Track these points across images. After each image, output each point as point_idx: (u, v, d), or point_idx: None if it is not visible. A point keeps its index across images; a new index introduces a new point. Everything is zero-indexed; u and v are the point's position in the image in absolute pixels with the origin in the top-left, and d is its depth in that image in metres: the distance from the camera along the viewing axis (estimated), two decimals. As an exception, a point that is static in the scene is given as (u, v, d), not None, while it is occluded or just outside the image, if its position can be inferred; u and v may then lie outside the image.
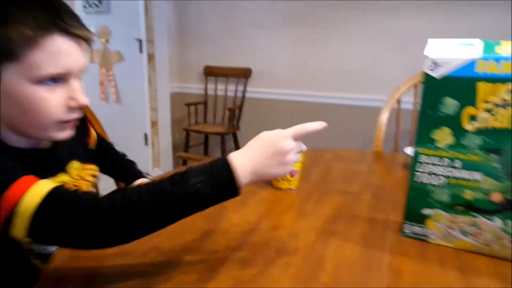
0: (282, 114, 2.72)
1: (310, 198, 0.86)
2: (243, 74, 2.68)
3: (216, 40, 2.79)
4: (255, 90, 2.74)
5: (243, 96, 2.71)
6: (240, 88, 2.74)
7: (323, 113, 2.59)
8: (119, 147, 0.99)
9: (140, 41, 2.84)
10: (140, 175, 0.92)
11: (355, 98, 2.49)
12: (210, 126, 2.70)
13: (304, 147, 0.88)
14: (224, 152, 2.55)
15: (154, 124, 3.01)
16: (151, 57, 2.86)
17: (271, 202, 0.84)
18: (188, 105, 2.69)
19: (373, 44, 2.38)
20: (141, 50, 2.86)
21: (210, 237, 0.68)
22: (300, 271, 0.58)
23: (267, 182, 0.93)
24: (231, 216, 0.76)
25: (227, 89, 2.77)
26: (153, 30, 2.80)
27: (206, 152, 2.92)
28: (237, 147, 2.74)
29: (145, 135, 3.03)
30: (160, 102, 2.94)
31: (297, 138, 0.59)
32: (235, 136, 2.73)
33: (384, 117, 1.41)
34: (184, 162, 2.74)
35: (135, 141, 3.07)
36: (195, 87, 2.95)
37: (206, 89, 2.82)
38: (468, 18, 2.17)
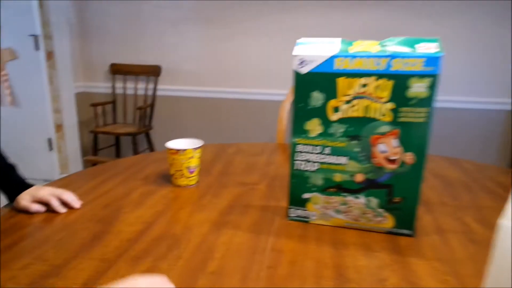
0: (194, 111, 2.72)
1: (208, 192, 0.89)
2: (153, 72, 2.62)
3: (122, 37, 2.68)
4: (166, 87, 2.70)
5: (154, 94, 2.65)
6: (151, 86, 2.67)
7: (233, 108, 2.67)
8: (19, 154, 0.91)
9: (35, 37, 2.61)
10: (20, 181, 0.81)
11: (260, 93, 2.60)
12: (121, 126, 2.59)
13: (200, 143, 0.91)
14: (137, 152, 2.48)
15: (59, 127, 2.80)
16: (50, 55, 2.65)
17: (169, 200, 0.85)
18: (95, 105, 2.55)
19: (276, 40, 2.50)
20: (37, 47, 2.63)
21: (101, 240, 0.67)
22: (189, 262, 0.60)
23: (168, 180, 0.94)
24: (126, 217, 0.75)
25: (136, 87, 2.68)
26: (51, 25, 2.59)
27: (118, 154, 2.79)
28: (150, 146, 2.68)
29: (49, 140, 2.81)
30: (64, 103, 2.74)
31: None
32: (148, 135, 2.66)
33: (285, 110, 1.50)
34: (94, 166, 2.60)
35: (38, 147, 2.82)
36: (102, 86, 2.80)
37: (114, 88, 2.70)
38: (360, 18, 2.39)
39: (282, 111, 1.51)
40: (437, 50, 0.60)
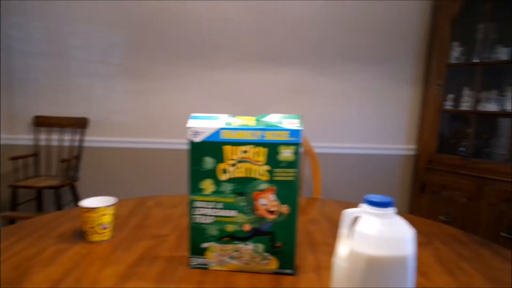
0: (123, 162, 2.74)
1: (120, 246, 0.95)
2: (79, 124, 2.63)
3: (48, 90, 2.67)
4: (93, 139, 2.71)
5: (81, 146, 2.63)
6: (77, 138, 2.66)
7: (160, 158, 2.74)
8: None
9: (-50, 89, 2.51)
10: None
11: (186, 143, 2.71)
12: (44, 179, 2.52)
13: (113, 200, 0.98)
14: (60, 206, 2.41)
15: (-27, 181, 2.63)
16: (-34, 107, 2.55)
17: (81, 256, 0.90)
18: (14, 158, 2.47)
19: (198, 95, 2.68)
20: (-48, 99, 2.52)
21: (6, 301, 0.70)
22: (92, 315, 0.67)
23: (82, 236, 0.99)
24: (35, 277, 0.79)
25: (62, 139, 2.65)
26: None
27: (40, 209, 2.68)
28: (76, 199, 2.62)
29: (-39, 196, 2.62)
30: (-20, 156, 2.61)
31: None
32: (73, 188, 2.60)
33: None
34: (12, 222, 2.46)
35: None
36: (24, 138, 2.72)
37: (36, 140, 2.64)
38: (272, 77, 2.66)
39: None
40: (298, 125, 0.76)
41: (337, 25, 2.62)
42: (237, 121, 0.79)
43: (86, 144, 2.70)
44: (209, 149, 0.78)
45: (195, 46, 2.64)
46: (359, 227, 0.58)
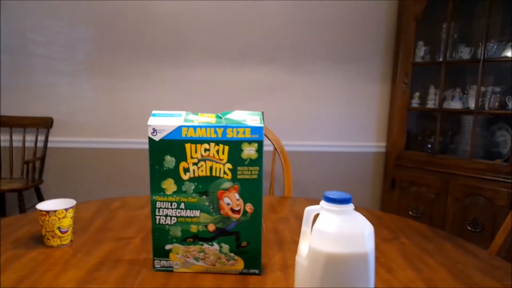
0: (89, 162, 2.66)
1: (81, 250, 0.91)
2: (43, 124, 2.52)
3: (8, 88, 2.55)
4: (58, 139, 2.60)
5: (45, 147, 2.53)
6: (41, 138, 2.55)
7: (127, 158, 2.67)
8: None
9: None
10: None
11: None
12: (6, 182, 2.40)
13: (73, 203, 0.94)
14: (24, 210, 2.31)
15: None
16: None
17: (37, 262, 0.85)
18: (-26, 160, 2.34)
19: (166, 92, 2.63)
20: None
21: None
22: (45, 324, 0.63)
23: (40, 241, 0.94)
24: (-15, 285, 0.75)
25: (25, 140, 2.53)
26: None
27: (2, 213, 2.55)
28: (40, 201, 2.51)
29: None
30: None
31: None
32: (38, 190, 2.50)
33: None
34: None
35: None
36: (-16, 139, 2.59)
37: (-2, 141, 2.52)
38: (245, 75, 2.65)
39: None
40: (260, 122, 0.75)
41: (309, 24, 2.63)
42: (199, 118, 0.77)
43: (50, 144, 2.59)
44: (169, 148, 0.76)
45: (165, 43, 2.59)
46: (318, 224, 0.58)
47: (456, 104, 2.46)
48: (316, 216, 0.62)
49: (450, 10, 2.34)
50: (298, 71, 2.68)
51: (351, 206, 0.58)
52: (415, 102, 2.58)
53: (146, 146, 2.66)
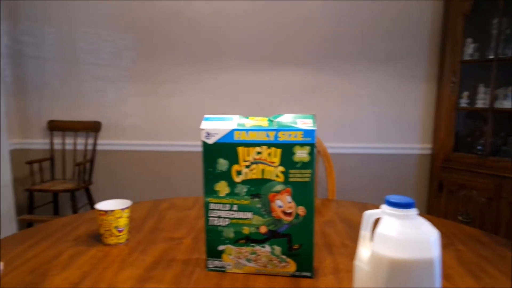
0: (135, 164, 2.76)
1: (137, 249, 0.95)
2: (92, 128, 2.65)
3: (61, 94, 2.71)
4: (106, 142, 2.73)
5: (94, 150, 2.66)
6: (90, 141, 2.69)
7: (171, 161, 2.75)
8: None
9: (-32, 95, 2.57)
10: None
11: (200, 145, 2.72)
12: (59, 183, 2.55)
13: (128, 203, 0.98)
14: (76, 209, 2.44)
15: (-10, 186, 2.68)
16: (-17, 113, 2.60)
17: (97, 259, 0.90)
18: (31, 163, 2.50)
19: (210, 96, 2.68)
20: (-31, 106, 2.58)
21: (25, 305, 0.70)
22: (109, 319, 0.66)
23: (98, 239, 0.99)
24: (53, 280, 0.79)
25: (76, 143, 2.68)
26: (-15, 84, 2.57)
27: (56, 212, 2.71)
28: (90, 201, 2.65)
29: (-21, 200, 2.68)
30: (-3, 161, 2.66)
31: None
32: (88, 191, 2.63)
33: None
34: (29, 225, 2.50)
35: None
36: (39, 143, 2.76)
37: (52, 145, 2.68)
38: (284, 77, 2.65)
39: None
40: (312, 125, 0.75)
41: (349, 23, 2.59)
42: (250, 122, 0.78)
43: (98, 147, 2.73)
44: (222, 151, 0.77)
45: (204, 48, 2.65)
46: (380, 229, 0.57)
47: (509, 103, 2.32)
48: (373, 220, 0.62)
49: (502, 5, 2.21)
50: (337, 71, 2.64)
51: (414, 211, 0.56)
52: (463, 102, 2.46)
53: (188, 148, 2.73)
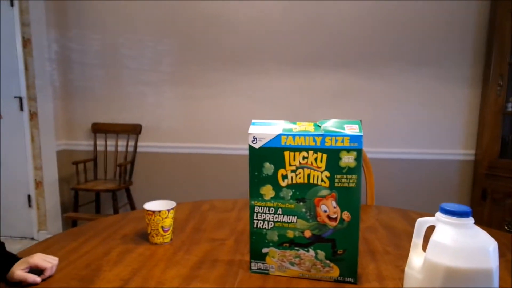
0: (173, 166, 2.84)
1: (181, 249, 0.98)
2: (133, 130, 2.75)
3: (104, 98, 2.83)
4: (145, 144, 2.83)
5: (134, 151, 2.76)
6: (131, 143, 2.79)
7: (209, 163, 2.80)
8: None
9: (20, 98, 2.74)
10: (9, 255, 0.84)
11: (234, 148, 2.76)
12: (101, 183, 2.66)
13: (173, 204, 1.01)
14: (117, 208, 2.54)
15: (38, 184, 2.84)
16: (33, 115, 2.77)
17: (145, 257, 0.94)
18: (76, 163, 2.63)
19: (249, 100, 2.71)
20: (21, 108, 2.75)
21: (82, 298, 0.75)
22: (160, 315, 0.69)
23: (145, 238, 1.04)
24: (106, 275, 0.84)
25: (117, 145, 2.79)
26: (35, 88, 2.73)
27: (98, 210, 2.83)
28: (130, 201, 2.74)
29: (29, 196, 2.84)
30: (45, 161, 2.81)
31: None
32: (128, 191, 2.73)
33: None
34: (74, 223, 2.63)
35: (17, 203, 2.85)
36: (83, 144, 2.90)
37: (95, 146, 2.80)
38: (322, 81, 2.64)
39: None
40: (359, 130, 0.75)
41: (385, 24, 2.54)
42: (297, 127, 0.79)
43: (138, 149, 2.82)
44: (269, 155, 0.79)
45: (239, 52, 2.68)
46: (435, 236, 0.56)
47: (560, 108, 2.19)
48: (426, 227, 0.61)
49: (554, 4, 2.10)
50: (376, 74, 2.60)
51: (471, 220, 0.55)
52: (510, 106, 2.35)
53: (225, 151, 2.77)
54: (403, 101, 2.61)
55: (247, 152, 2.72)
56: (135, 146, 2.76)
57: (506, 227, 2.28)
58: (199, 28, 2.69)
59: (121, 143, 2.83)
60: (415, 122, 2.62)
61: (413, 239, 0.63)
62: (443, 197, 2.64)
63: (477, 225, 1.16)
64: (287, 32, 2.63)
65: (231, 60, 2.70)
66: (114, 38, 2.77)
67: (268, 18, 2.63)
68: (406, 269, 0.64)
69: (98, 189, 2.51)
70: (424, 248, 0.59)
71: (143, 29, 2.73)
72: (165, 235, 1.01)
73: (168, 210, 1.00)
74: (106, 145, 2.81)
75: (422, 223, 0.61)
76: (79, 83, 2.85)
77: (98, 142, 2.83)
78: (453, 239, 0.54)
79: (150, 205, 1.03)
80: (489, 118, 2.38)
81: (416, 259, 0.61)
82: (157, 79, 2.78)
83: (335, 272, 0.80)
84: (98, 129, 2.80)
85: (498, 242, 1.03)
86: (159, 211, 0.98)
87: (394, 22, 2.53)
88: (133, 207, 2.76)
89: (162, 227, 1.00)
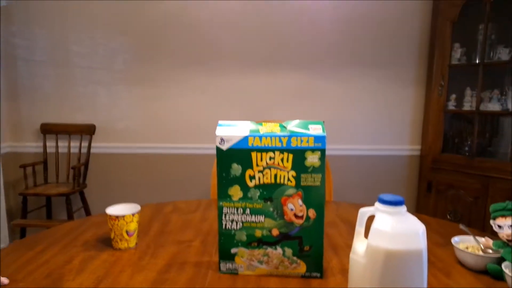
0: (129, 167, 2.76)
1: (147, 253, 0.97)
2: (87, 131, 2.64)
3: (54, 97, 2.69)
4: (100, 145, 2.72)
5: (88, 153, 2.64)
6: (84, 144, 2.68)
7: (165, 164, 2.76)
8: None
9: (-43, 98, 2.53)
10: None
11: (191, 148, 2.75)
12: (53, 187, 2.53)
13: (137, 208, 1.00)
14: (71, 213, 2.42)
15: (-20, 190, 2.64)
16: (-27, 116, 2.56)
17: (110, 264, 0.91)
18: (24, 166, 2.48)
19: (204, 98, 2.70)
20: (-41, 109, 2.53)
21: (45, 309, 0.72)
22: (131, 321, 0.68)
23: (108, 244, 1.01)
24: (69, 285, 0.81)
25: (70, 146, 2.66)
26: (-25, 87, 2.53)
27: (49, 216, 2.69)
28: (85, 205, 2.63)
29: (-31, 204, 2.63)
30: (-13, 165, 2.62)
31: None
32: (82, 195, 2.62)
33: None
34: (22, 230, 2.47)
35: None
36: (31, 146, 2.73)
37: (45, 148, 2.65)
38: (280, 80, 2.69)
39: (214, 167, 1.64)
40: (322, 131, 0.79)
41: (341, 28, 2.65)
42: (263, 128, 0.81)
43: (92, 150, 2.71)
44: (236, 156, 0.80)
45: (197, 51, 2.66)
46: (375, 224, 0.63)
47: (494, 106, 2.41)
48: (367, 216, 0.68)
49: (488, 11, 2.30)
50: (330, 76, 2.70)
51: (404, 208, 0.64)
52: (451, 105, 2.54)
53: (181, 151, 2.74)
54: (356, 101, 2.73)
55: (206, 152, 2.73)
56: (89, 147, 2.65)
57: (448, 216, 2.47)
58: (155, 26, 2.64)
59: (74, 144, 2.70)
60: (366, 121, 2.75)
61: (356, 228, 0.71)
62: (394, 190, 2.81)
63: (423, 215, 1.26)
64: (247, 32, 2.65)
65: (187, 59, 2.67)
66: (63, 34, 2.63)
67: (227, 16, 2.63)
68: (351, 255, 0.70)
69: (50, 194, 2.38)
70: (366, 235, 0.66)
71: (94, 25, 2.62)
72: (129, 240, 0.99)
73: (133, 214, 0.98)
74: (57, 147, 2.67)
75: (364, 213, 0.69)
76: (25, 81, 2.68)
77: (48, 144, 2.68)
78: (390, 226, 0.62)
79: (113, 209, 1.00)
80: (433, 115, 2.56)
81: (360, 245, 0.68)
82: (111, 77, 2.69)
83: (302, 268, 0.83)
84: (48, 130, 2.64)
85: (445, 231, 1.13)
86: (123, 216, 0.96)
87: (349, 28, 2.65)
88: (87, 211, 2.65)
89: (126, 231, 0.98)
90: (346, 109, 2.74)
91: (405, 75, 2.71)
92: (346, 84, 2.71)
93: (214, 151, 2.52)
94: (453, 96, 2.55)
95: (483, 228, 2.32)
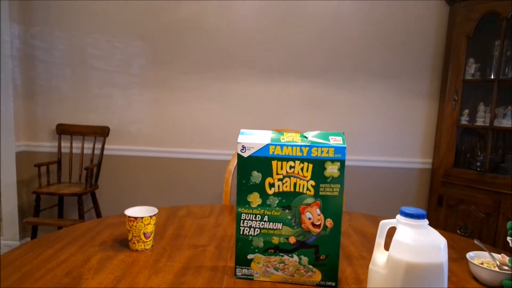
0: (141, 170, 2.79)
1: (164, 255, 0.99)
2: (101, 132, 2.68)
3: (70, 98, 2.74)
4: (113, 147, 2.76)
5: (101, 154, 2.68)
6: (98, 146, 2.71)
7: (176, 167, 2.78)
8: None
9: (-24, 96, 2.59)
10: None
11: (204, 153, 2.77)
12: (65, 186, 2.57)
13: (155, 210, 1.02)
14: (82, 213, 2.45)
15: (-6, 187, 2.69)
16: (-9, 114, 2.62)
17: (127, 264, 0.93)
18: (39, 165, 2.52)
19: (219, 104, 2.73)
20: (-22, 107, 2.59)
21: (67, 306, 0.74)
22: (151, 321, 0.70)
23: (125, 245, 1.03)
24: (89, 283, 0.83)
25: (83, 147, 2.70)
26: (-6, 85, 2.59)
27: (60, 215, 2.72)
28: (96, 206, 2.66)
29: (-18, 201, 2.68)
30: (2, 162, 2.67)
31: None
32: (93, 195, 2.65)
33: (230, 172, 1.65)
34: (34, 228, 2.51)
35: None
36: (46, 146, 2.78)
37: (59, 148, 2.69)
38: (295, 89, 2.71)
39: (227, 173, 1.66)
40: (342, 142, 0.80)
41: (354, 39, 2.66)
42: (284, 137, 0.83)
43: (105, 152, 2.75)
44: (257, 164, 0.82)
45: (213, 58, 2.70)
46: (397, 236, 0.64)
47: (508, 122, 2.40)
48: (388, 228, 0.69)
49: (504, 28, 2.30)
50: (343, 86, 2.71)
51: (426, 221, 0.64)
52: (464, 119, 2.54)
53: (191, 156, 2.76)
54: (368, 111, 2.74)
55: (217, 157, 2.76)
56: (102, 149, 2.69)
57: (458, 231, 2.45)
58: (172, 31, 2.68)
59: (87, 145, 2.74)
60: (378, 132, 2.75)
61: (377, 239, 0.71)
62: (403, 202, 2.80)
63: (437, 229, 1.26)
64: (261, 40, 2.68)
65: (202, 65, 2.71)
66: (81, 37, 2.69)
67: (243, 25, 2.67)
68: (371, 266, 0.70)
69: (63, 193, 2.42)
70: (386, 247, 0.67)
71: (112, 29, 2.68)
72: (146, 242, 1.01)
73: (151, 217, 1.00)
74: (71, 147, 2.71)
75: (384, 224, 0.70)
76: (43, 82, 2.74)
77: (62, 144, 2.72)
78: (412, 238, 0.63)
79: (131, 211, 1.02)
80: (445, 130, 2.55)
81: (380, 256, 0.68)
82: (126, 81, 2.73)
83: (317, 276, 0.84)
84: (64, 130, 2.69)
85: (459, 246, 1.13)
86: (142, 218, 0.98)
87: (363, 38, 2.66)
88: (98, 212, 2.68)
89: (144, 233, 1.00)
90: (357, 119, 2.74)
91: (418, 87, 2.71)
92: (358, 95, 2.72)
93: (226, 157, 2.58)
94: (466, 111, 2.54)
95: (493, 244, 2.30)
